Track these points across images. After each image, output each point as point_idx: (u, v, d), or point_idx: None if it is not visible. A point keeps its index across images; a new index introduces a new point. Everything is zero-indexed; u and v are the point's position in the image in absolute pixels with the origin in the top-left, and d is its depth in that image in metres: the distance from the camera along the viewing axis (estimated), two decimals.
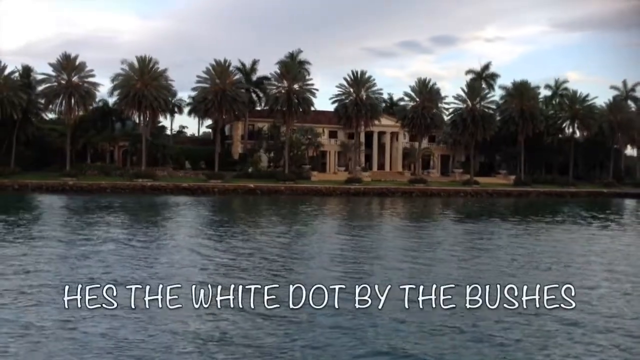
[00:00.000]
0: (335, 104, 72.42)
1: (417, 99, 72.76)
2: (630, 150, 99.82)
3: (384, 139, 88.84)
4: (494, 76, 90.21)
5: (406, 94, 74.50)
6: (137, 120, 75.03)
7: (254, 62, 78.61)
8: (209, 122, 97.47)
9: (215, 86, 66.42)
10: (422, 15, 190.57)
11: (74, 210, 40.29)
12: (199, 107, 68.86)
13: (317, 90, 69.54)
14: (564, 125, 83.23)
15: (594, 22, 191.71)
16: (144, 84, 65.59)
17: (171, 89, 69.51)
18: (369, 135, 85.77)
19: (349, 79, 71.52)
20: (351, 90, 71.22)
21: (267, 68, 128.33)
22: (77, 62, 65.82)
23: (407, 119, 72.66)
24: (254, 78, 77.21)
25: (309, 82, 70.10)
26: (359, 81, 70.99)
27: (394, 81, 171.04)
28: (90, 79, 66.92)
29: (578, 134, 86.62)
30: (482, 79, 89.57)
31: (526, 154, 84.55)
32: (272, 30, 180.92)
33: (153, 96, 65.32)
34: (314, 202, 54.63)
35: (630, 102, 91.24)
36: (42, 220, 32.78)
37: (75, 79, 65.81)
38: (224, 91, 66.08)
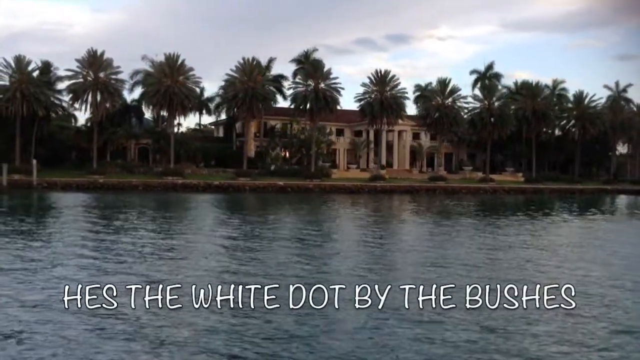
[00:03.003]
0: (360, 103, 73.39)
1: (439, 98, 74.43)
2: (619, 149, 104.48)
3: (391, 137, 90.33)
4: (497, 76, 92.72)
5: (425, 93, 76.14)
6: (157, 118, 74.46)
7: (270, 60, 78.90)
8: (209, 119, 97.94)
9: (245, 83, 66.51)
10: (377, 13, 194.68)
11: (112, 208, 39.50)
12: (230, 105, 68.59)
13: (343, 89, 70.47)
14: (569, 125, 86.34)
15: (542, 23, 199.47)
16: (174, 81, 65.16)
17: (199, 86, 69.24)
18: (377, 134, 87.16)
19: (372, 78, 72.64)
20: (375, 89, 72.26)
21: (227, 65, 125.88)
22: (104, 59, 64.86)
23: (429, 118, 74.24)
24: (270, 76, 77.35)
25: (335, 80, 70.94)
26: (383, 80, 72.12)
27: (349, 78, 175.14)
28: (118, 76, 66.23)
29: (576, 132, 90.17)
30: (485, 78, 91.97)
31: (530, 152, 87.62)
32: (227, 26, 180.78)
33: (184, 94, 64.96)
34: (356, 200, 55.36)
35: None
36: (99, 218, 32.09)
37: (101, 75, 64.85)
38: (254, 89, 66.28)
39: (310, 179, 68.18)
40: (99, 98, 64.31)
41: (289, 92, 75.12)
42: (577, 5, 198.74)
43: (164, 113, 72.20)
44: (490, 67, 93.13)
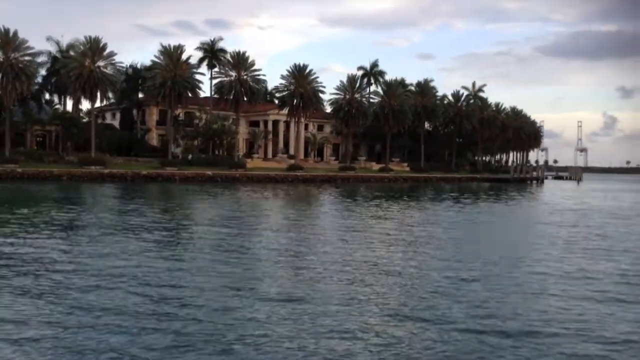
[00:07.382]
0: (282, 95, 75.67)
1: (348, 94, 79.51)
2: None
3: (283, 127, 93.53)
4: (381, 73, 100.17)
5: (338, 88, 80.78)
6: (64, 103, 69.86)
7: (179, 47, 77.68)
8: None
9: (172, 71, 65.34)
10: None
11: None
12: (155, 93, 66.64)
13: (266, 80, 72.20)
14: (446, 120, 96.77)
15: (355, 19, 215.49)
16: (96, 66, 62.05)
17: (122, 72, 66.31)
18: (275, 124, 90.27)
19: (291, 71, 75.16)
20: (294, 82, 74.85)
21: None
22: (17, 38, 59.58)
23: (342, 112, 78.87)
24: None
25: (258, 72, 72.41)
26: (302, 74, 74.86)
27: None
28: (30, 58, 61.09)
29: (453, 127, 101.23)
30: (371, 75, 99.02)
31: (411, 144, 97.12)
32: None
33: (108, 80, 62.17)
34: (298, 189, 57.98)
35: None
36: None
37: (13, 56, 59.49)
38: (182, 77, 65.51)
39: (235, 169, 69.24)
40: (10, 81, 58.89)
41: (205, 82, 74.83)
42: (387, 5, 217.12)
43: (69, 98, 68.19)
44: (375, 64, 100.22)
